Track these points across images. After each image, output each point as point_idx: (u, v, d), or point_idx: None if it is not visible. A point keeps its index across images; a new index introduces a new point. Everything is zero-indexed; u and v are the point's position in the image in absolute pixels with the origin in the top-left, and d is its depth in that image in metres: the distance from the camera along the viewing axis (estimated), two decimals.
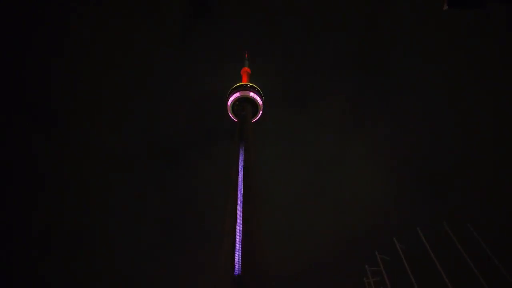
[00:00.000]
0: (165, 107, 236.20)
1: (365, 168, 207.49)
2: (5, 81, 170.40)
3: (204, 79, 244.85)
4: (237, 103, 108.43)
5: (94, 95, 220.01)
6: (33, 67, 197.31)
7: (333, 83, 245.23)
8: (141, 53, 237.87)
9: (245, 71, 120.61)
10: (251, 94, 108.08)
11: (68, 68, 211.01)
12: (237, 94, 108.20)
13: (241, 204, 72.56)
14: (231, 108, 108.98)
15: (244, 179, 78.88)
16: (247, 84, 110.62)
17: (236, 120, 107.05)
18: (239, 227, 68.01)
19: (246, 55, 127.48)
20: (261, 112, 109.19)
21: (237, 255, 63.15)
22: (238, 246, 64.56)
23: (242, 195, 74.61)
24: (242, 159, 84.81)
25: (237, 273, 60.24)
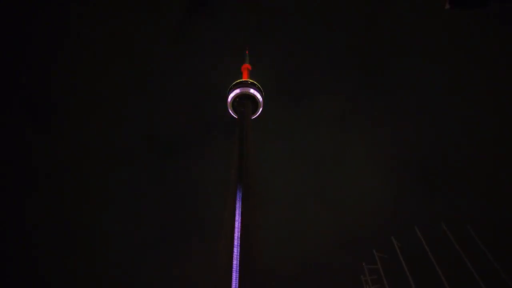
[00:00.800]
0: (165, 103, 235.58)
1: (364, 168, 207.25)
2: (5, 81, 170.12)
3: (204, 76, 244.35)
4: (237, 99, 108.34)
5: (93, 92, 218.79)
6: (33, 66, 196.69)
7: (333, 82, 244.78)
8: (141, 50, 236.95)
9: (246, 67, 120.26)
10: (251, 90, 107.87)
11: (68, 68, 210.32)
12: (237, 91, 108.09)
13: (240, 202, 72.69)
14: (231, 104, 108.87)
15: (243, 178, 78.98)
16: (247, 81, 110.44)
17: (236, 117, 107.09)
18: (237, 225, 68.15)
19: (247, 51, 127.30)
20: (261, 109, 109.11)
21: (235, 251, 63.32)
22: (236, 242, 64.71)
23: (241, 193, 74.70)
24: (242, 158, 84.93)
25: (236, 271, 60.34)
